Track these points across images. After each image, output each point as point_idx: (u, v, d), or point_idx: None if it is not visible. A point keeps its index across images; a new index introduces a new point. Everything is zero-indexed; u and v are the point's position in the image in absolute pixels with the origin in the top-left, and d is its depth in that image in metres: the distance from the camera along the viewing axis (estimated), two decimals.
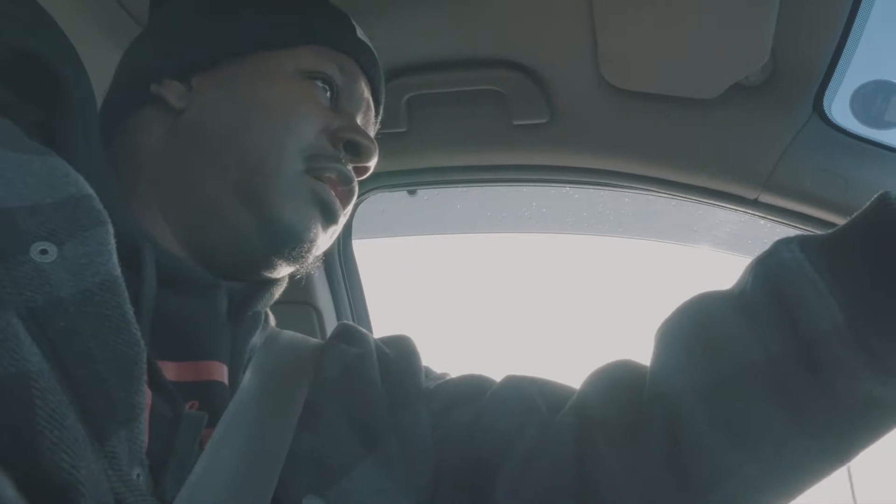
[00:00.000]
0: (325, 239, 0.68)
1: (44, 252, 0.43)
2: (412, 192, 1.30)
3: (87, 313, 0.44)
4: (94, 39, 0.65)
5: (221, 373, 0.60)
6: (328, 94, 0.70)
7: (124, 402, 0.44)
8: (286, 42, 0.70)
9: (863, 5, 0.78)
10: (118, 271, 0.47)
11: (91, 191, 0.48)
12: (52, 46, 0.56)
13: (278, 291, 0.74)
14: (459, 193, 1.34)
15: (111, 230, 0.48)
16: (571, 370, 0.70)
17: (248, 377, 0.63)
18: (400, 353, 0.76)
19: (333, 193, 0.67)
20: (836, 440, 0.54)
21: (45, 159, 0.48)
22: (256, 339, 0.69)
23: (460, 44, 0.98)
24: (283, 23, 0.71)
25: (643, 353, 0.65)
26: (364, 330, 0.79)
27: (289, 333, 0.75)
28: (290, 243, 0.64)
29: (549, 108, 1.01)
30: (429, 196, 1.34)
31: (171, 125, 0.66)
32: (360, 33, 0.76)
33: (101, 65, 0.61)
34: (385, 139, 1.11)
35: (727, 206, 0.98)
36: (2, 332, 0.39)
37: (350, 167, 0.69)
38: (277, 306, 0.76)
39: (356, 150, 0.69)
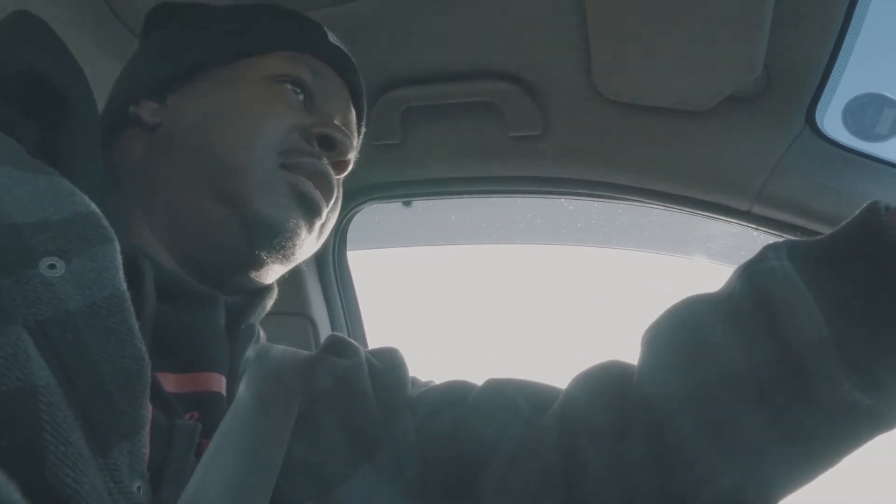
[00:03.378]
0: (309, 233, 0.69)
1: (52, 267, 0.44)
2: (407, 204, 1.30)
3: (93, 326, 0.44)
4: (90, 52, 0.66)
5: (220, 384, 0.60)
6: (300, 96, 0.71)
7: (128, 414, 0.44)
8: (252, 51, 0.71)
9: (855, 18, 0.79)
10: (125, 286, 0.48)
11: (97, 209, 0.50)
12: (59, 67, 0.58)
13: (270, 303, 0.75)
14: (454, 204, 1.34)
15: (118, 247, 0.49)
16: (566, 380, 0.70)
17: (242, 389, 0.63)
18: (388, 364, 0.76)
19: (312, 185, 0.67)
20: (819, 448, 0.54)
21: (49, 178, 0.49)
22: (250, 351, 0.69)
23: (455, 56, 0.98)
24: (248, 33, 0.73)
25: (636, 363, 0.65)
26: (354, 342, 0.79)
27: (280, 347, 0.76)
28: (272, 237, 0.65)
29: (544, 120, 1.02)
30: (424, 207, 1.34)
31: (149, 142, 0.67)
32: (332, 38, 0.77)
33: (98, 77, 0.62)
34: (380, 150, 1.12)
35: (720, 217, 0.99)
36: (12, 346, 0.39)
37: (327, 163, 0.69)
38: (272, 317, 0.76)
39: (330, 145, 0.69)
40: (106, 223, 0.49)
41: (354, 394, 0.70)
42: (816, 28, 0.81)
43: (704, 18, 0.80)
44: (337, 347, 0.77)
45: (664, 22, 0.82)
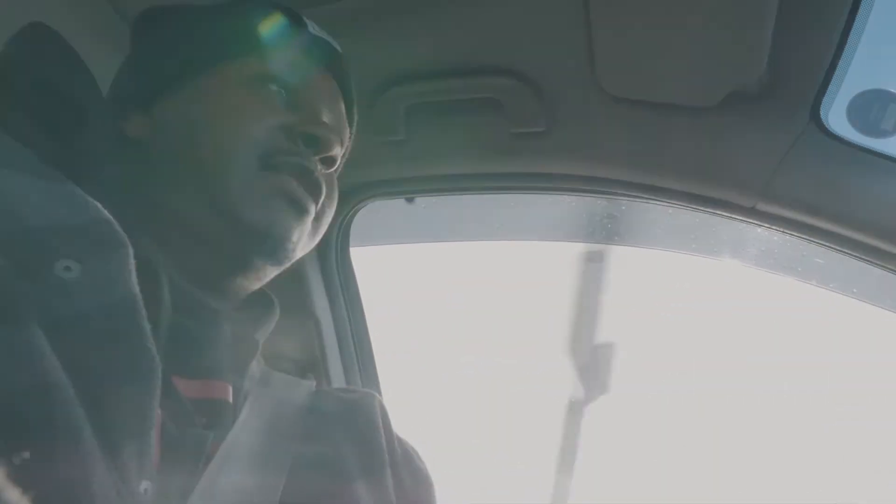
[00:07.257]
0: (301, 233, 0.68)
1: (67, 269, 0.45)
2: (410, 200, 1.30)
3: (106, 328, 0.46)
4: (90, 48, 0.66)
5: (227, 392, 0.61)
6: (284, 94, 0.71)
7: (137, 415, 0.45)
8: (232, 54, 0.71)
9: (860, 14, 0.79)
10: (137, 290, 0.49)
11: (110, 216, 0.51)
12: (72, 79, 0.59)
13: (274, 319, 0.76)
14: (458, 201, 1.34)
15: (131, 252, 0.50)
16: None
17: (249, 401, 0.64)
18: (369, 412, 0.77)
19: (296, 183, 0.67)
20: None
21: (63, 186, 0.51)
22: (254, 368, 0.70)
23: (458, 53, 0.98)
24: (228, 37, 0.73)
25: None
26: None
27: (282, 374, 0.77)
28: (262, 241, 0.65)
29: (547, 117, 1.01)
30: (427, 204, 1.34)
31: (141, 155, 0.68)
32: (312, 29, 0.77)
33: (96, 73, 0.62)
34: (383, 147, 1.12)
35: (724, 214, 0.98)
36: (26, 344, 0.40)
37: (314, 159, 0.69)
38: None
39: (314, 142, 0.69)
40: (119, 229, 0.50)
41: (362, 415, 0.73)
42: (821, 23, 0.81)
43: (708, 14, 0.79)
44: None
45: (667, 17, 0.81)
